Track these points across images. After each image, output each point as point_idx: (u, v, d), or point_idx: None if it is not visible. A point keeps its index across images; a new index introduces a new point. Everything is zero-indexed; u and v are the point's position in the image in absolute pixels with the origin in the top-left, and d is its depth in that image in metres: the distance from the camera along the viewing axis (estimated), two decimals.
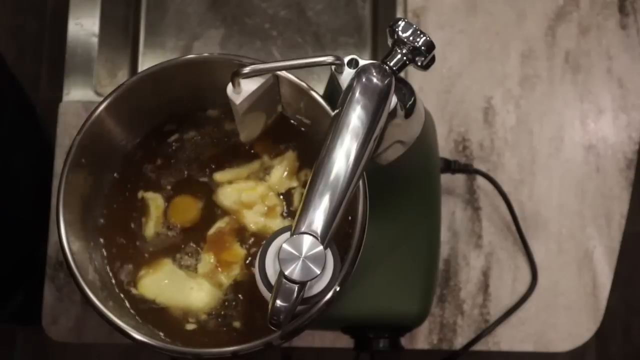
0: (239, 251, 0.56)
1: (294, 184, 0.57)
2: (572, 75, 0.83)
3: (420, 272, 0.63)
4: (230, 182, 0.57)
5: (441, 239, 0.67)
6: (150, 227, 0.56)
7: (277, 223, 0.56)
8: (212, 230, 0.56)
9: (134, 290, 0.55)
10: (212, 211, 0.57)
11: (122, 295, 0.55)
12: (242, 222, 0.56)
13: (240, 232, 0.56)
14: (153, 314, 0.55)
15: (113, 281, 0.55)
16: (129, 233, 0.57)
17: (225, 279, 0.55)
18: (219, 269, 0.55)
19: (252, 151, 0.58)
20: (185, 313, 0.55)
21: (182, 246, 0.56)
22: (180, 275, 0.55)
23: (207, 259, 0.56)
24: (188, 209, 0.57)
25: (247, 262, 0.56)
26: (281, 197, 0.57)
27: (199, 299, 0.55)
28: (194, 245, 0.56)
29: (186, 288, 0.55)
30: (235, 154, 0.58)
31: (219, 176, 0.58)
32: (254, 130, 0.57)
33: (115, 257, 0.56)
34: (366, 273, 0.61)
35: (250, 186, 0.57)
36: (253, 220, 0.56)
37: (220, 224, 0.56)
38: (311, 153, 0.54)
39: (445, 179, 0.78)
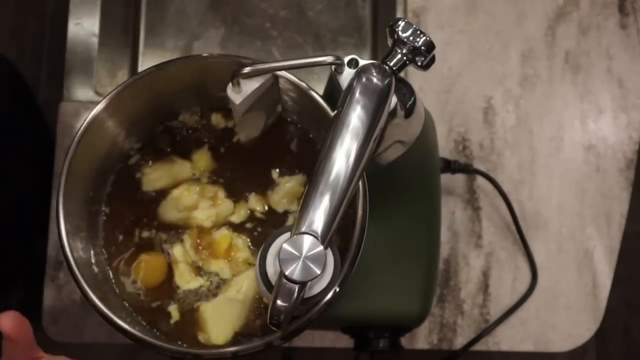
0: (222, 234, 0.56)
1: (293, 207, 0.57)
2: (572, 75, 0.83)
3: (420, 272, 0.63)
4: (164, 193, 0.57)
5: (441, 239, 0.67)
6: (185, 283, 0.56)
7: (227, 206, 0.57)
8: (192, 255, 0.56)
9: (135, 290, 0.55)
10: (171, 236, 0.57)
11: (122, 295, 0.55)
12: (196, 225, 0.56)
13: (204, 230, 0.57)
14: (154, 313, 0.55)
15: (113, 281, 0.55)
16: (129, 232, 0.57)
17: (246, 253, 0.56)
18: (233, 255, 0.56)
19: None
20: (260, 305, 0.55)
21: (205, 281, 0.56)
22: (221, 301, 0.55)
23: (222, 265, 0.56)
24: (156, 268, 0.56)
25: (235, 227, 0.56)
26: (214, 180, 0.57)
27: (250, 290, 0.55)
28: (206, 269, 0.56)
29: (236, 299, 0.55)
30: (235, 154, 0.58)
31: (145, 178, 0.57)
32: (254, 130, 0.57)
33: (115, 256, 0.56)
34: (366, 273, 0.61)
35: (184, 188, 0.57)
36: (204, 216, 0.56)
37: (187, 243, 0.56)
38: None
39: (445, 179, 0.78)
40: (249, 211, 0.57)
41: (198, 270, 0.56)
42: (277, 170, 0.57)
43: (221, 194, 0.57)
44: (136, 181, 0.57)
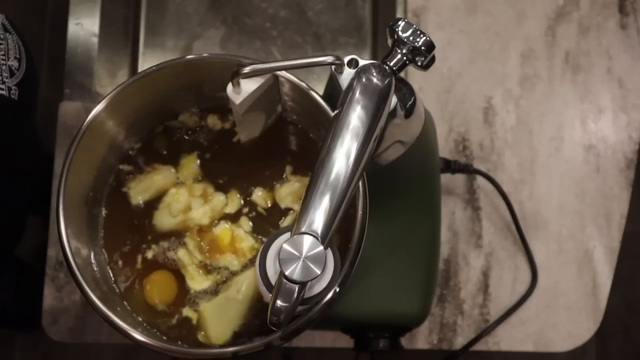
0: (222, 229, 0.56)
1: (295, 206, 0.57)
2: (572, 75, 0.83)
3: (420, 272, 0.63)
4: (154, 203, 0.57)
5: (441, 239, 0.67)
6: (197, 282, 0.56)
7: (219, 199, 0.57)
8: (198, 255, 0.56)
9: (157, 311, 0.56)
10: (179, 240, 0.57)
11: (122, 295, 0.55)
12: (195, 225, 0.56)
13: (203, 228, 0.57)
14: (155, 313, 0.55)
15: (113, 280, 0.55)
16: (129, 232, 0.57)
17: (250, 241, 0.56)
18: (237, 246, 0.56)
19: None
20: (260, 305, 0.55)
21: (216, 276, 0.56)
22: (221, 301, 0.55)
23: (229, 258, 0.56)
24: (167, 285, 0.56)
25: (232, 217, 0.56)
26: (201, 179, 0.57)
27: (250, 290, 0.55)
28: (215, 265, 0.56)
29: (236, 299, 0.55)
30: (234, 153, 0.58)
31: (132, 192, 0.57)
32: (254, 130, 0.57)
33: (115, 256, 0.56)
34: (366, 273, 0.61)
35: (174, 193, 0.57)
36: (200, 215, 0.56)
37: (190, 245, 0.56)
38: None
39: (445, 179, 0.78)
40: (240, 198, 0.57)
41: (207, 269, 0.56)
42: (292, 167, 0.57)
43: (210, 189, 0.57)
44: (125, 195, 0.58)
